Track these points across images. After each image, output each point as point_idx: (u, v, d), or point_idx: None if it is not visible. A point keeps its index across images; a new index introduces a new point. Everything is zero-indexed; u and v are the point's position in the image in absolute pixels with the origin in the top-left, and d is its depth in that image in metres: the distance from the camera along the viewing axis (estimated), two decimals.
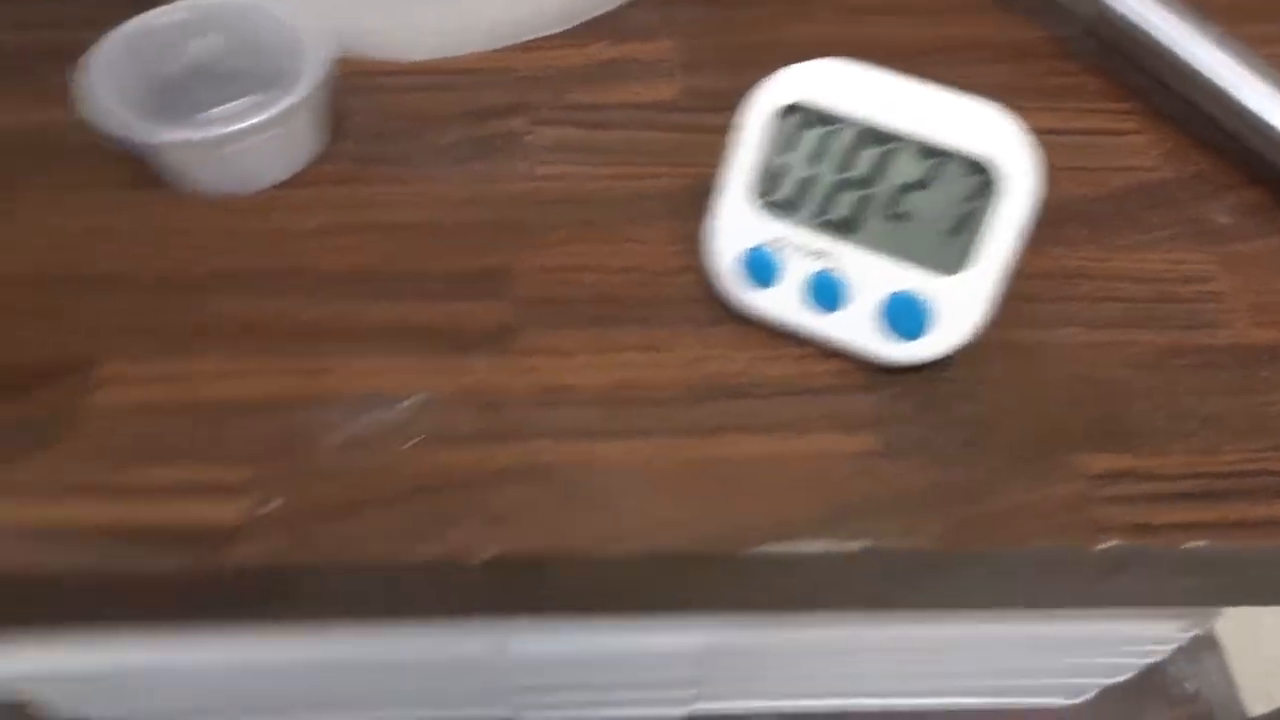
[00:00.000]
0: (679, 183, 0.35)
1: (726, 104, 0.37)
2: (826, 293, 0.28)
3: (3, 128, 0.35)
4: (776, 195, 0.29)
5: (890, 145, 0.27)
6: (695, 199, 0.33)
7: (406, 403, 0.28)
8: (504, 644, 0.44)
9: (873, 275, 0.28)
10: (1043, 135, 0.27)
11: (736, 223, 0.29)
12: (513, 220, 0.33)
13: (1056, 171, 0.29)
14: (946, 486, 0.27)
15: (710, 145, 0.36)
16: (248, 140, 0.32)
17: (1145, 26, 0.37)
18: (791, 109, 0.28)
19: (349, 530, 0.26)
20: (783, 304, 0.29)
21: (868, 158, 0.27)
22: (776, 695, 0.51)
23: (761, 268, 0.29)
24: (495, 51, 0.38)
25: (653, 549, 0.25)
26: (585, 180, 0.35)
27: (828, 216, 0.28)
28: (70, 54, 0.33)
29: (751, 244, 0.29)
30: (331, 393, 0.28)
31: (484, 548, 0.25)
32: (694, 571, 0.26)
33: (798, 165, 0.28)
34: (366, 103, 0.36)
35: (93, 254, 0.32)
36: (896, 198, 0.27)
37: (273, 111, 0.32)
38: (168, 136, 0.31)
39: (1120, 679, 0.50)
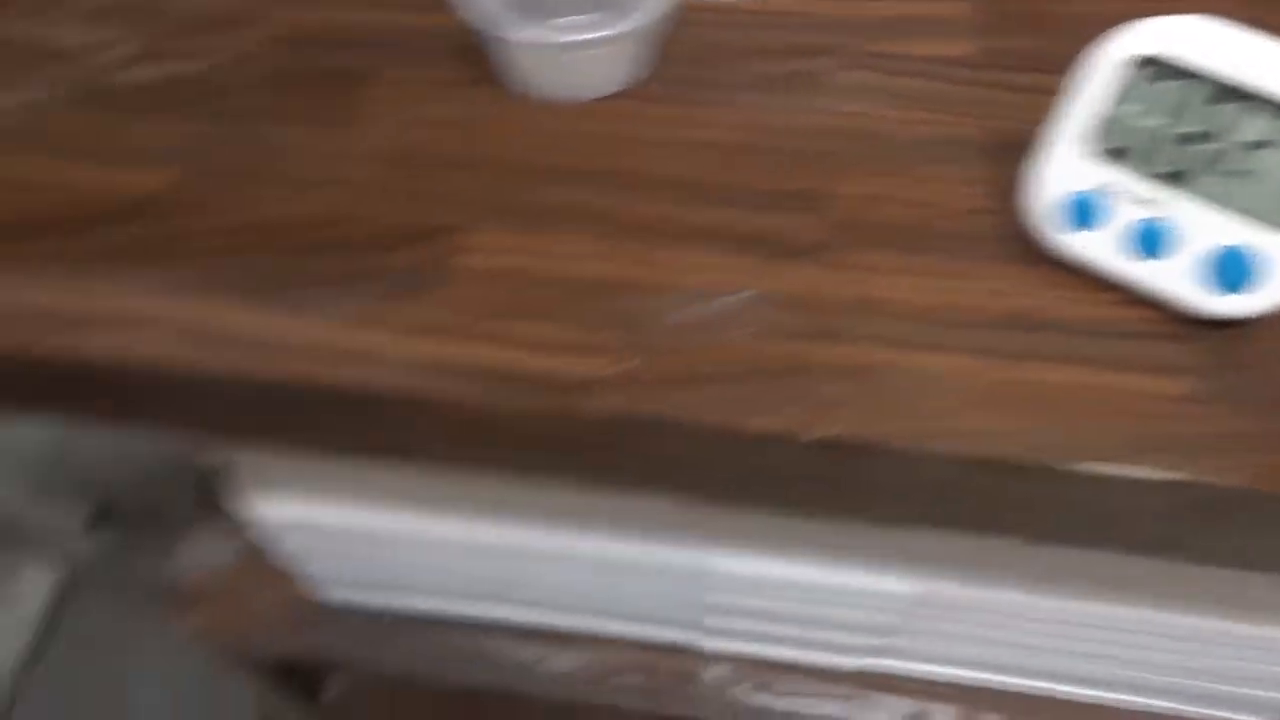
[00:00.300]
0: (971, 131, 0.36)
1: (1020, 64, 0.39)
2: (1150, 240, 0.30)
3: (372, 26, 0.39)
4: (1111, 143, 0.30)
5: (1246, 102, 0.28)
6: (989, 147, 0.35)
7: (735, 297, 0.31)
8: (710, 559, 0.46)
9: (1202, 227, 0.29)
10: None
11: (1063, 167, 0.31)
12: (819, 150, 0.35)
13: None
14: (1263, 435, 0.28)
15: (1003, 100, 0.37)
16: (591, 51, 0.35)
17: None
18: (1148, 61, 0.29)
19: (693, 397, 0.28)
20: (1101, 248, 0.30)
21: (1219, 113, 0.28)
22: (959, 662, 0.52)
23: (1084, 212, 0.30)
24: None
25: (976, 451, 0.27)
26: (884, 122, 0.37)
27: (1163, 167, 0.29)
28: None
29: (1077, 188, 0.30)
30: (667, 281, 0.31)
31: (815, 427, 0.28)
32: (1012, 480, 0.28)
33: (1140, 115, 0.29)
34: (689, 34, 0.39)
35: (448, 140, 0.35)
36: (1241, 154, 0.28)
37: (621, 28, 0.35)
38: (526, 36, 0.35)
39: None
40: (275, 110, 0.36)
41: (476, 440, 0.30)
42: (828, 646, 0.52)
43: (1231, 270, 0.29)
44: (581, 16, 0.37)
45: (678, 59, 0.38)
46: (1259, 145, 0.28)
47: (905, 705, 0.54)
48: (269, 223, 0.33)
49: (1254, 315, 0.29)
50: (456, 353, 0.29)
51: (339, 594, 0.56)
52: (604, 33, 0.35)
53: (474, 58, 0.37)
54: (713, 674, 0.55)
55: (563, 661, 0.56)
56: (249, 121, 0.36)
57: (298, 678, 0.75)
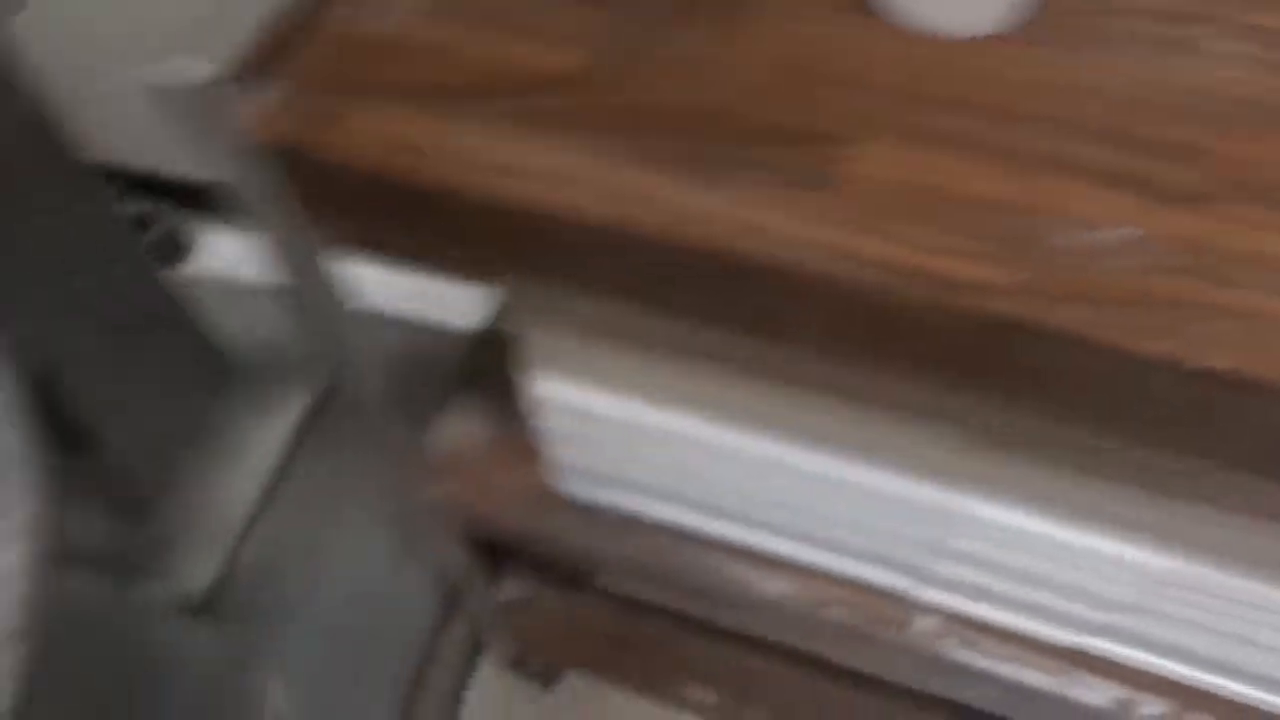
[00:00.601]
0: None
1: None
2: None
3: None
4: None
5: None
6: None
7: (1118, 231, 0.32)
8: (965, 502, 0.48)
9: None
10: None
11: None
12: (1196, 109, 0.36)
13: None
14: None
15: None
16: None
17: None
18: None
19: (1082, 314, 0.30)
20: None
21: None
22: (1183, 656, 0.51)
23: None
24: None
25: None
26: (1264, 90, 0.37)
27: None
28: None
29: None
30: (1049, 208, 0.33)
31: (1204, 358, 0.29)
32: None
33: None
34: None
35: (830, 57, 0.38)
36: None
37: None
38: None
39: None
40: (674, 11, 0.39)
41: (855, 325, 0.33)
42: (1050, 615, 0.53)
43: None
44: None
45: (1055, 9, 0.39)
46: None
47: (1113, 690, 0.54)
48: (670, 108, 0.36)
49: None
50: (848, 241, 0.32)
51: (579, 486, 0.60)
52: None
53: None
54: (921, 624, 0.57)
55: (774, 587, 0.59)
56: (651, 18, 0.39)
57: (483, 566, 0.80)
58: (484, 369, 0.68)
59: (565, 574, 0.85)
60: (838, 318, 0.33)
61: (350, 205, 0.37)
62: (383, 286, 0.64)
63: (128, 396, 0.71)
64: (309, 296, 0.44)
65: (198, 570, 0.80)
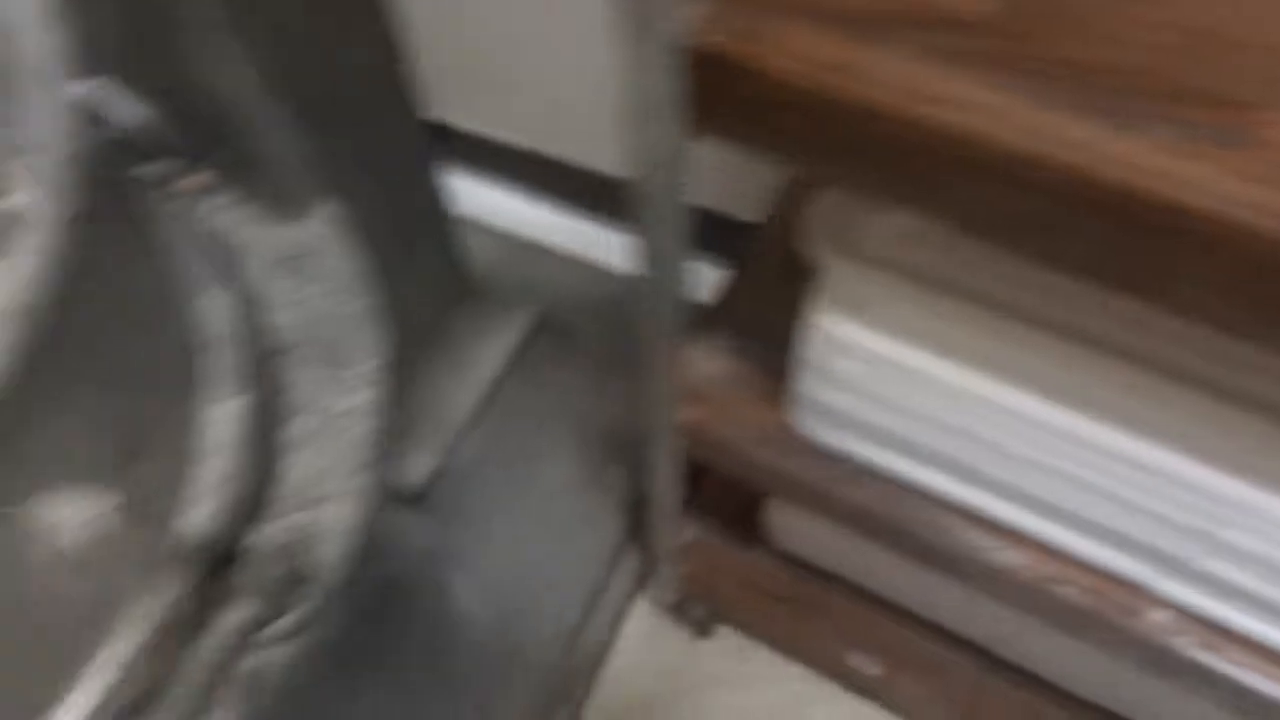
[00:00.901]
0: None
1: None
2: None
3: None
4: None
5: None
6: None
7: None
8: (1246, 493, 0.48)
9: None
10: None
11: None
12: None
13: None
14: None
15: None
16: None
17: None
18: None
19: None
20: None
21: None
22: None
23: None
24: None
25: None
26: None
27: None
28: None
29: None
30: None
31: None
32: None
33: None
34: None
35: (1238, 27, 0.39)
36: None
37: None
38: None
39: None
40: None
41: (1262, 285, 0.34)
42: None
43: None
44: None
45: None
46: None
47: None
48: (1082, 60, 0.38)
49: None
50: (1273, 198, 0.33)
51: (823, 428, 0.62)
52: None
53: None
54: (1156, 617, 0.57)
55: (1007, 557, 0.60)
56: None
57: (676, 503, 0.83)
58: (734, 308, 0.71)
59: (745, 525, 0.88)
60: (1244, 275, 0.34)
61: (762, 118, 0.41)
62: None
63: (391, 295, 0.77)
64: (658, 209, 0.48)
65: (417, 465, 0.86)
